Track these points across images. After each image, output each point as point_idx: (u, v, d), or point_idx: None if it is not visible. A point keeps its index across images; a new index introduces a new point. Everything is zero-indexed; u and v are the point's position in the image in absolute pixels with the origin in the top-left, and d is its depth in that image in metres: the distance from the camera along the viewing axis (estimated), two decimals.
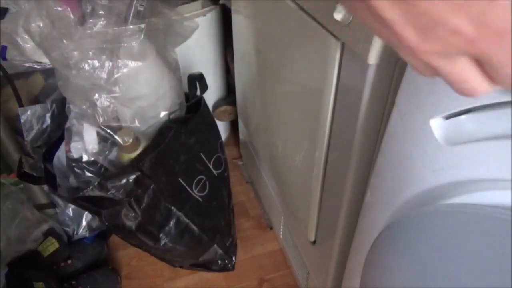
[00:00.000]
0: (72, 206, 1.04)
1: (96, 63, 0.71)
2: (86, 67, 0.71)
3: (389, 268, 0.43)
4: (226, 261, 1.04)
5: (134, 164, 0.73)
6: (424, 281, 0.37)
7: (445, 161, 0.35)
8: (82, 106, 0.77)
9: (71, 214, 1.05)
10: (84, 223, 1.07)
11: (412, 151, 0.38)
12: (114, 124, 0.79)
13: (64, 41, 0.70)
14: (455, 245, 0.33)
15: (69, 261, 1.02)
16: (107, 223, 0.79)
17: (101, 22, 0.70)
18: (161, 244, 0.85)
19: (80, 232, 1.07)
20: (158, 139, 0.77)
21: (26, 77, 0.93)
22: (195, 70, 0.94)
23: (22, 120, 0.84)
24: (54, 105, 0.87)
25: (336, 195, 0.62)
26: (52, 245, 1.01)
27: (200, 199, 0.87)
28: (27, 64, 0.83)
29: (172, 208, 0.82)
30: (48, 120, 0.87)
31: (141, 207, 0.78)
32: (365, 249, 0.50)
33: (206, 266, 1.04)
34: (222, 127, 1.41)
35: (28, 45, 0.79)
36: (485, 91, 0.23)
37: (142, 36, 0.73)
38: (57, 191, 0.81)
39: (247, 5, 0.84)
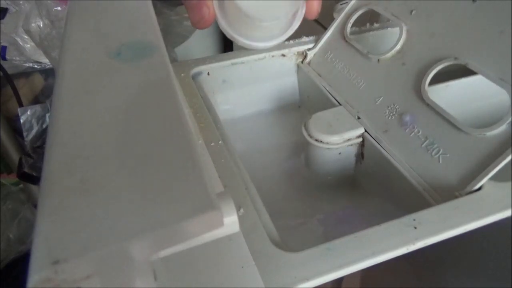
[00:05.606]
0: None
1: None
2: None
3: None
4: None
5: None
6: None
7: None
8: None
9: None
10: None
11: None
12: None
13: None
14: None
15: None
16: None
17: None
18: None
19: None
20: None
21: (26, 77, 0.93)
22: None
23: (22, 120, 0.84)
24: None
25: None
26: None
27: None
28: (27, 64, 0.84)
29: None
30: (48, 120, 0.87)
31: None
32: None
33: None
34: None
35: (28, 45, 0.79)
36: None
37: None
38: None
39: None
